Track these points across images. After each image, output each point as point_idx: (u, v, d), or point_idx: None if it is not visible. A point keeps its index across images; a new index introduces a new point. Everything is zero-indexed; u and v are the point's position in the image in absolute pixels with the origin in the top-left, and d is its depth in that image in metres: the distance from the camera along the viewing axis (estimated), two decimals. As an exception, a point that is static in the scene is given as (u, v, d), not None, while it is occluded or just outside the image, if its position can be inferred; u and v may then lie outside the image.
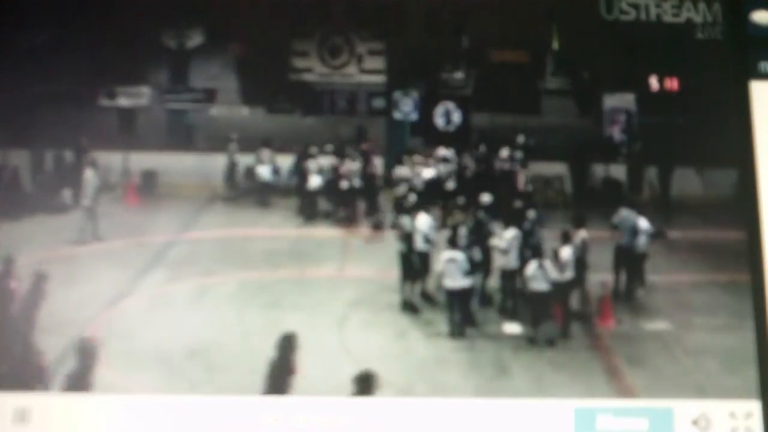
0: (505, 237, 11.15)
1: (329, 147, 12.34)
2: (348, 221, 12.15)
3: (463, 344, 9.99)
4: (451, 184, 12.31)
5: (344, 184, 12.45)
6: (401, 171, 12.38)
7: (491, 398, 8.44)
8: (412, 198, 11.98)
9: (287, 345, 9.05)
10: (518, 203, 11.64)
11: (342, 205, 12.42)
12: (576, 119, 11.77)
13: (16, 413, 8.07)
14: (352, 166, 12.49)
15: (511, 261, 11.08)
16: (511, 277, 11.02)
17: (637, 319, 10.25)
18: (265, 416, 8.17)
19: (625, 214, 11.23)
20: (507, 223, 11.25)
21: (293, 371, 8.82)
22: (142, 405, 8.20)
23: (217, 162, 12.01)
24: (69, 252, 10.44)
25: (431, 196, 12.19)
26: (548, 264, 10.62)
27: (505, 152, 12.32)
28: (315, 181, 12.48)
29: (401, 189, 12.16)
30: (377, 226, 11.99)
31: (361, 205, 12.38)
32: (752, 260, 8.70)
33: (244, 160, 12.35)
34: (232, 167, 12.10)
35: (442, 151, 12.32)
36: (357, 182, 12.50)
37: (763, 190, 8.80)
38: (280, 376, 8.73)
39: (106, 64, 10.65)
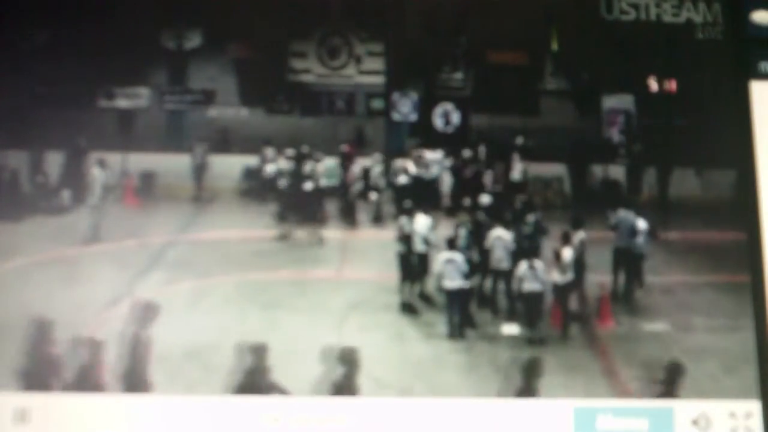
0: (490, 236, 11.17)
1: (305, 148, 12.33)
2: (312, 222, 12.15)
3: (462, 345, 9.99)
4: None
5: (308, 186, 12.39)
6: (357, 169, 12.38)
7: (490, 399, 8.45)
8: (374, 197, 12.16)
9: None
10: (518, 204, 11.66)
11: (305, 206, 12.42)
12: (575, 120, 11.76)
13: (16, 413, 8.07)
14: (318, 167, 12.47)
15: (499, 261, 11.10)
16: (501, 277, 11.06)
17: (636, 320, 10.25)
18: (264, 416, 8.17)
19: (622, 214, 11.24)
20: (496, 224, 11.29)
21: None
22: (142, 405, 8.20)
23: (216, 163, 12.00)
24: (68, 253, 10.41)
25: (402, 195, 12.30)
26: (539, 264, 10.62)
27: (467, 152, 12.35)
28: (283, 183, 12.46)
29: (357, 186, 12.22)
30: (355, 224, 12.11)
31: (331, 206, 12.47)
32: (752, 261, 8.73)
33: (245, 160, 12.31)
34: (200, 168, 12.00)
35: (430, 155, 12.35)
36: (323, 182, 12.48)
37: (763, 190, 8.82)
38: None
39: (105, 66, 10.63)
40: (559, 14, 10.70)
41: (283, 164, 12.34)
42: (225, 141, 11.84)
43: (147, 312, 9.22)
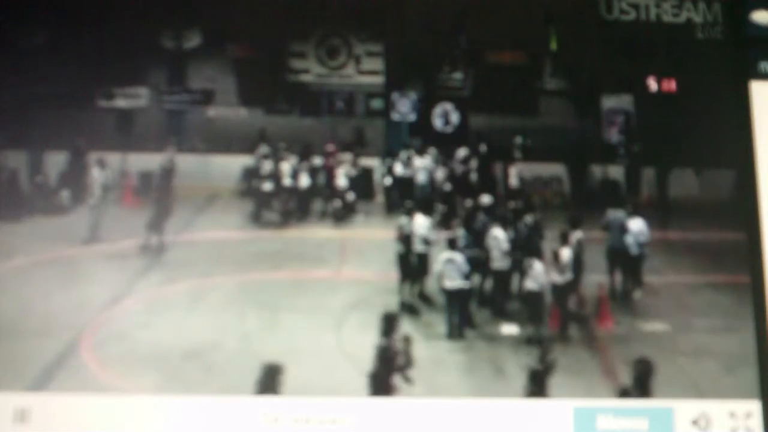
0: (488, 236, 11.19)
1: (281, 146, 12.31)
2: (278, 222, 12.15)
3: (461, 345, 9.99)
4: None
5: (267, 186, 12.34)
6: (266, 168, 12.36)
7: (490, 399, 8.45)
8: (350, 197, 12.35)
9: None
10: (517, 204, 11.66)
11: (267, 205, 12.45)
12: (574, 120, 11.76)
13: (16, 413, 8.06)
14: (283, 166, 12.46)
15: (493, 261, 11.10)
16: (497, 277, 11.08)
17: (636, 321, 10.24)
18: (264, 416, 8.17)
19: (612, 215, 11.25)
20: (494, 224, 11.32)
21: None
22: (141, 406, 8.19)
23: (215, 163, 12.01)
24: (68, 253, 10.41)
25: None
26: (536, 263, 10.60)
27: (462, 152, 12.34)
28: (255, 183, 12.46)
29: (267, 186, 12.25)
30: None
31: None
32: (752, 261, 8.73)
33: (244, 161, 12.28)
34: (168, 173, 11.91)
35: (418, 161, 12.42)
36: (288, 182, 12.47)
37: (763, 190, 8.83)
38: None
39: (104, 66, 10.62)
40: (559, 14, 10.69)
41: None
42: (262, 138, 11.89)
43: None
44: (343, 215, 12.32)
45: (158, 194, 11.34)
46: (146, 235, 10.91)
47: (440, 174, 12.41)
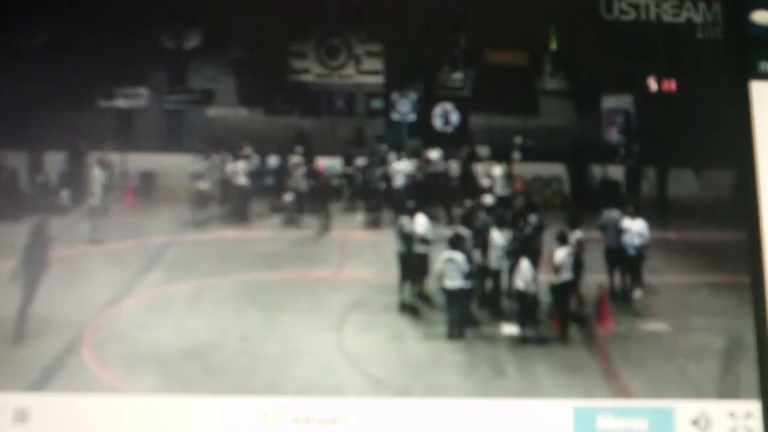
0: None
1: (248, 147, 12.30)
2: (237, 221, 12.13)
3: (461, 345, 9.96)
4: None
5: (203, 185, 12.16)
6: (200, 166, 12.22)
7: (489, 399, 8.45)
8: (289, 198, 12.25)
9: None
10: (520, 204, 11.69)
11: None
12: (574, 120, 11.78)
13: (16, 413, 8.07)
14: (238, 166, 12.43)
15: (491, 261, 11.11)
16: (493, 276, 11.11)
17: (636, 321, 10.24)
18: (263, 416, 8.17)
19: (607, 215, 11.27)
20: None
21: None
22: (141, 405, 8.20)
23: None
24: (68, 253, 10.41)
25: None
26: (524, 262, 10.55)
27: (435, 154, 12.35)
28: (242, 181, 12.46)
29: (203, 184, 12.13)
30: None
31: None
32: (752, 261, 8.73)
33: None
34: (108, 178, 11.60)
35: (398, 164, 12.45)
36: (243, 181, 12.42)
37: (763, 190, 8.83)
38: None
39: (104, 66, 10.62)
40: (559, 14, 10.69)
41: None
42: (300, 139, 11.92)
43: None
44: (287, 217, 12.29)
45: (32, 250, 10.19)
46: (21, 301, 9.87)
47: (418, 175, 12.41)
